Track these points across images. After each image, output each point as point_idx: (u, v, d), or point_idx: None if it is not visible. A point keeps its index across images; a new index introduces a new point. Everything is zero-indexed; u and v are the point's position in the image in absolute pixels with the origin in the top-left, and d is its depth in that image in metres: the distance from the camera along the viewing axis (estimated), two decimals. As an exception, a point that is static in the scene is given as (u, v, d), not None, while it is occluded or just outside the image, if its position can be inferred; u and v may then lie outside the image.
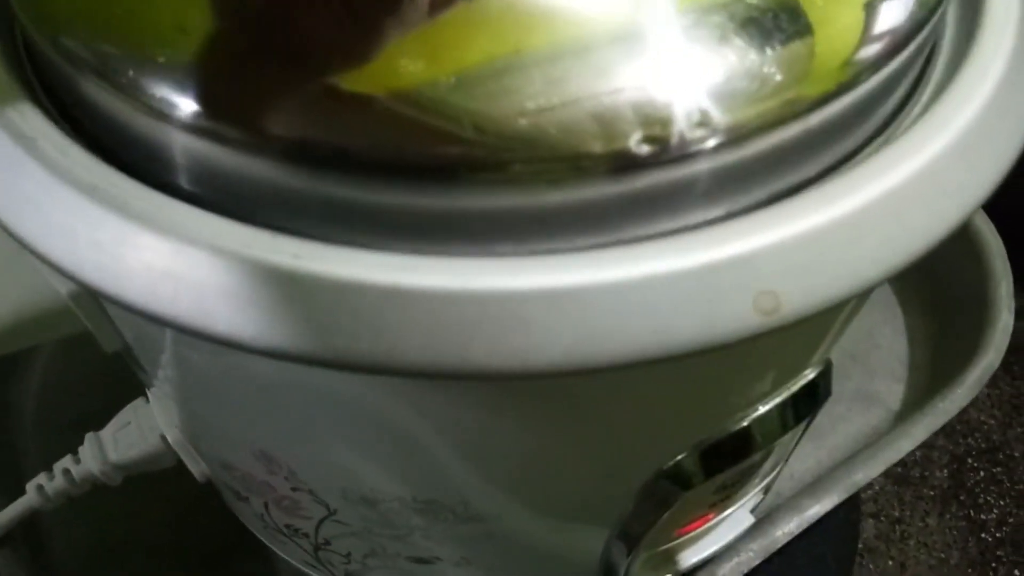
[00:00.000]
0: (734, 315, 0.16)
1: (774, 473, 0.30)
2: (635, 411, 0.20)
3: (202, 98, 0.16)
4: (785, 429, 0.24)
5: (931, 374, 0.48)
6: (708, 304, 0.16)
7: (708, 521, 0.30)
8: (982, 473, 1.17)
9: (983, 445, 1.18)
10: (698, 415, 0.22)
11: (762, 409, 0.23)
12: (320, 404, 0.19)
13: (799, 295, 0.16)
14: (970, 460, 1.18)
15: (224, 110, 0.16)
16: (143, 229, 0.15)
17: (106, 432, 0.32)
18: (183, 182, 0.17)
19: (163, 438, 0.31)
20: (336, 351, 0.15)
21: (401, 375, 0.15)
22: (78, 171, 0.16)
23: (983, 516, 1.10)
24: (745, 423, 0.23)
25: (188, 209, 0.16)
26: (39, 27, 0.18)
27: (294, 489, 0.24)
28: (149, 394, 0.31)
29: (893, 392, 0.48)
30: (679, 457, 0.22)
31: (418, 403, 0.19)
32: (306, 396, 0.19)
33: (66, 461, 0.31)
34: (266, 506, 0.27)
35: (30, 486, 0.32)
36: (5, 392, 0.42)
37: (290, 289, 0.15)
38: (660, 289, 0.16)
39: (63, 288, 0.19)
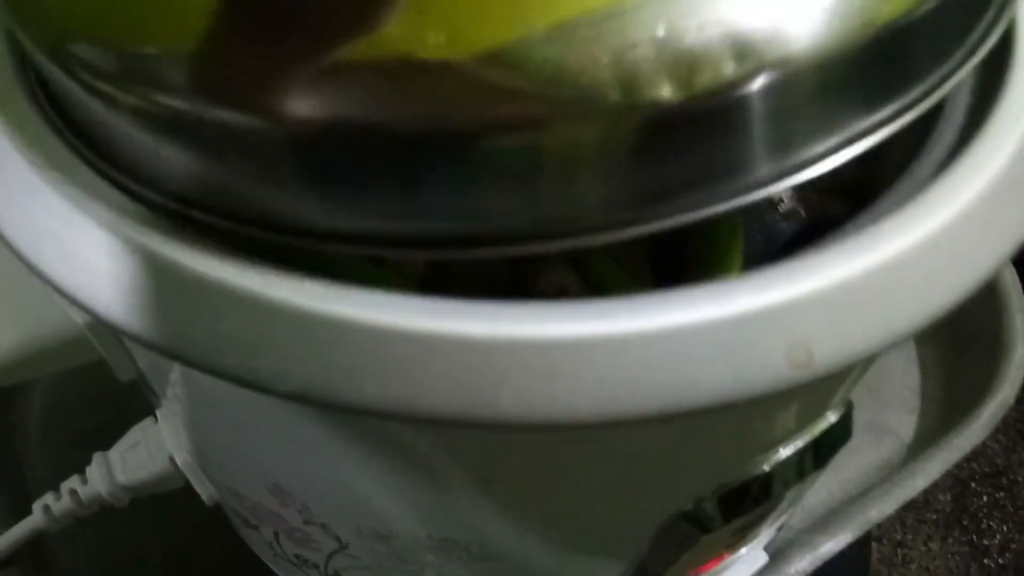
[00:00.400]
0: (765, 368, 0.15)
1: (790, 512, 0.30)
2: (656, 457, 0.20)
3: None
4: (806, 473, 0.24)
5: (944, 406, 0.48)
6: (739, 356, 0.15)
7: (723, 560, 0.29)
8: (985, 498, 1.16)
9: (987, 469, 1.17)
10: (719, 461, 0.21)
11: (783, 453, 0.22)
12: (338, 443, 0.19)
13: (832, 348, 0.16)
14: (973, 484, 1.17)
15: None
16: (165, 266, 0.15)
17: (114, 452, 0.32)
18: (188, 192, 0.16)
19: (172, 460, 0.31)
20: (360, 397, 0.15)
21: (426, 423, 0.15)
22: (100, 208, 0.16)
23: (986, 541, 1.09)
24: (766, 467, 0.22)
25: (210, 247, 0.16)
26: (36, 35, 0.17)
27: (306, 522, 0.24)
28: (158, 414, 0.31)
29: (905, 423, 0.47)
30: (699, 500, 0.22)
31: (439, 446, 0.18)
32: (324, 435, 0.19)
33: (73, 481, 0.31)
34: (276, 535, 0.27)
35: (36, 506, 0.31)
36: (10, 408, 0.41)
37: (315, 331, 0.15)
38: (690, 340, 0.15)
39: (79, 319, 0.19)
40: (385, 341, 0.15)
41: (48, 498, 0.31)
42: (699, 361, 0.15)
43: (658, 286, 0.16)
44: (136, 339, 0.16)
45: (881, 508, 0.37)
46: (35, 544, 0.33)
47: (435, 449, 0.18)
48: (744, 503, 0.23)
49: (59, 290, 0.16)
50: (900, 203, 0.18)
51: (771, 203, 0.30)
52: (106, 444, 0.33)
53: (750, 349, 0.15)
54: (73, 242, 0.16)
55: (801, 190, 0.31)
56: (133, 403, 0.31)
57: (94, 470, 0.31)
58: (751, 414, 0.20)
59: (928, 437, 0.45)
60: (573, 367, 0.15)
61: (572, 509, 0.21)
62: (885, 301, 0.16)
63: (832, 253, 0.17)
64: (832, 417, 0.24)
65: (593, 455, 0.19)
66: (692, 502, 0.22)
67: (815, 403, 0.22)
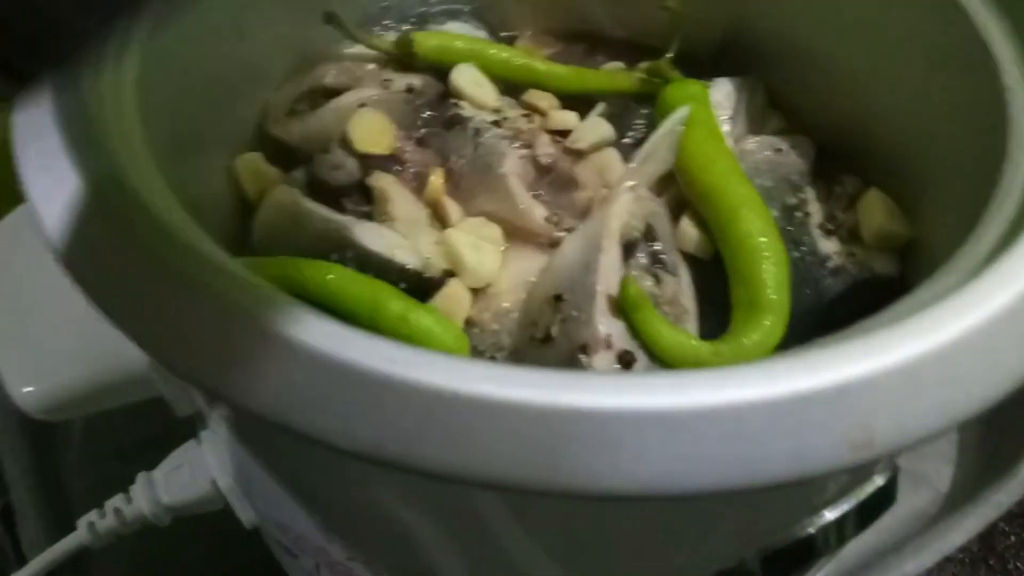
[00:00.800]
0: (825, 448, 0.16)
1: (828, 567, 0.30)
2: (705, 522, 0.20)
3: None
4: (849, 535, 0.24)
5: (982, 458, 0.47)
6: (799, 435, 0.15)
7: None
8: (1013, 538, 1.14)
9: (1015, 509, 1.15)
10: (766, 524, 0.21)
11: (828, 516, 0.22)
12: (394, 495, 0.19)
13: (893, 429, 0.16)
14: (1001, 524, 1.15)
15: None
16: (245, 326, 0.16)
17: (158, 472, 0.32)
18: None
19: (214, 483, 0.31)
20: (424, 461, 0.15)
21: (486, 488, 0.15)
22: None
23: (1013, 582, 1.07)
24: (811, 530, 0.22)
25: (288, 306, 0.16)
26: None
27: (350, 559, 0.24)
28: (202, 436, 0.32)
29: (942, 474, 0.47)
30: (742, 560, 0.22)
31: (493, 506, 0.18)
32: (380, 486, 0.19)
33: (118, 500, 0.32)
34: (317, 567, 0.27)
35: (81, 523, 0.32)
36: (52, 422, 0.42)
37: (382, 393, 0.15)
38: (752, 417, 0.15)
39: (143, 363, 0.19)
40: (451, 406, 0.15)
41: (93, 515, 0.32)
42: (761, 439, 0.15)
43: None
44: (203, 388, 0.16)
45: (917, 562, 0.36)
46: (75, 558, 0.34)
47: (493, 508, 0.19)
48: (786, 563, 0.23)
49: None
50: (960, 282, 0.18)
51: (820, 259, 0.30)
52: (148, 457, 0.33)
53: (811, 429, 0.15)
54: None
55: (850, 246, 0.31)
56: (172, 416, 0.32)
57: (138, 489, 0.31)
58: (803, 485, 0.20)
59: (965, 488, 0.45)
60: (637, 439, 0.15)
61: (619, 565, 0.21)
62: (948, 383, 0.16)
63: (894, 334, 0.17)
64: (879, 480, 0.24)
65: (644, 518, 0.19)
66: (736, 561, 0.22)
67: (864, 470, 0.22)
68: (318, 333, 0.15)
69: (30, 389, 0.20)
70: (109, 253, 0.17)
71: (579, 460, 0.15)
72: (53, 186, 0.18)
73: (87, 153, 0.19)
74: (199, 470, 0.31)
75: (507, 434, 0.15)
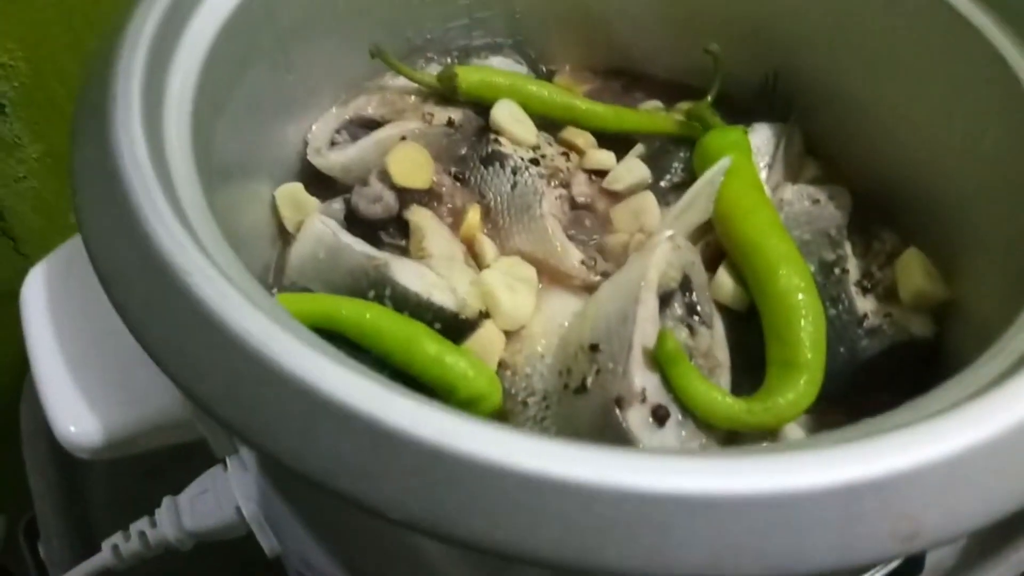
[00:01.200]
0: (871, 539, 0.15)
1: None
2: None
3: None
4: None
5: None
6: (846, 526, 0.15)
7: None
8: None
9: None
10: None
11: (861, 588, 0.22)
12: (429, 553, 0.19)
13: (939, 523, 0.16)
14: None
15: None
16: (297, 389, 0.16)
17: (183, 497, 0.32)
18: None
19: (238, 510, 0.31)
20: (471, 535, 0.15)
21: (532, 565, 0.15)
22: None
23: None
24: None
25: (340, 370, 0.16)
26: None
27: (375, 602, 0.24)
28: (228, 462, 0.32)
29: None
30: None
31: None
32: (417, 545, 0.19)
33: (142, 524, 0.32)
34: (338, 604, 0.27)
35: (106, 545, 0.32)
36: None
37: (432, 464, 0.15)
38: (799, 506, 0.15)
39: (189, 409, 0.19)
40: (499, 481, 0.15)
41: (117, 538, 0.32)
42: (810, 528, 0.15)
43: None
44: (254, 448, 0.16)
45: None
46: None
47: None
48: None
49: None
50: (1010, 368, 0.18)
51: (856, 319, 0.30)
52: (172, 478, 0.33)
53: (857, 519, 0.15)
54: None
55: (887, 306, 0.31)
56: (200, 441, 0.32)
57: (163, 514, 0.32)
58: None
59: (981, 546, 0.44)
60: (684, 523, 0.15)
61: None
62: (996, 475, 0.16)
63: (943, 424, 0.16)
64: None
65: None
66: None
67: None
68: (369, 398, 0.16)
69: (74, 430, 0.20)
70: (163, 305, 0.17)
71: (627, 542, 0.15)
72: (110, 225, 0.19)
73: (141, 194, 0.19)
74: (224, 497, 0.32)
75: (555, 512, 0.15)
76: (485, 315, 0.30)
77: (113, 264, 0.18)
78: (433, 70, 0.37)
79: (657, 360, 0.26)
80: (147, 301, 0.17)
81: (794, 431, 0.28)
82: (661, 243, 0.29)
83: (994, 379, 0.18)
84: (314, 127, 0.35)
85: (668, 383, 0.26)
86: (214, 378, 0.16)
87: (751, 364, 0.29)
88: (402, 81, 0.37)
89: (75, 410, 0.20)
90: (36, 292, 0.24)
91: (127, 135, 0.20)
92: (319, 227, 0.31)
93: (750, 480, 0.15)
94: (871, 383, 0.30)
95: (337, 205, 0.33)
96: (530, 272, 0.32)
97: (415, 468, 0.15)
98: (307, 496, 0.21)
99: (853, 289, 0.31)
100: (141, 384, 0.20)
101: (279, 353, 0.16)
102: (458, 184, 0.35)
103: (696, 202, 0.31)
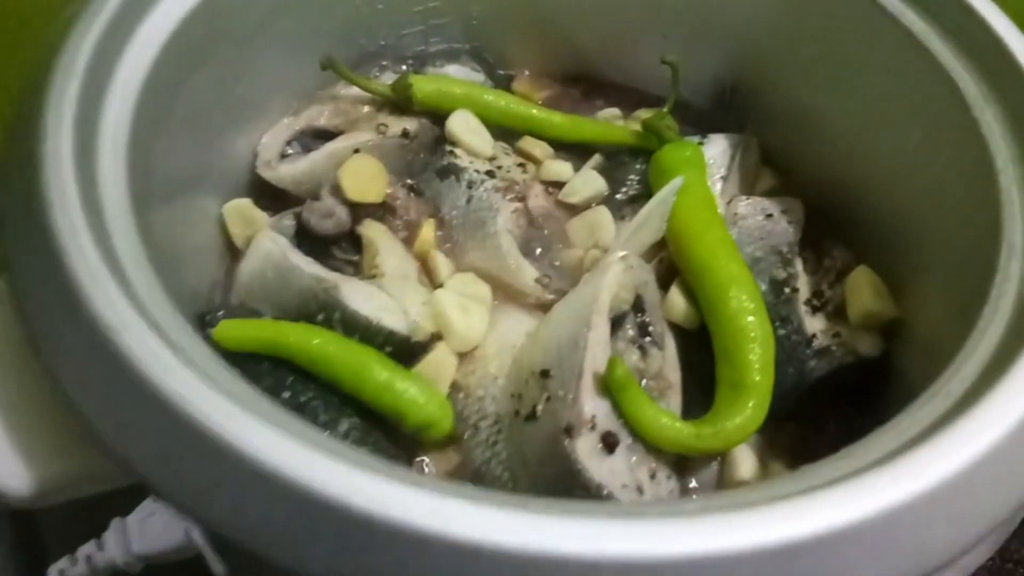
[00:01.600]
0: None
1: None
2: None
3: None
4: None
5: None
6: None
7: None
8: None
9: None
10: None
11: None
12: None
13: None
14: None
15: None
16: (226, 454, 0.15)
17: (132, 519, 0.31)
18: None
19: (187, 532, 0.31)
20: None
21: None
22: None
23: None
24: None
25: (275, 437, 0.16)
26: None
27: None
28: (178, 481, 0.31)
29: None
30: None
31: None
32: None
33: (89, 547, 0.31)
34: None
35: (53, 570, 0.31)
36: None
37: (362, 531, 0.15)
38: (736, 568, 0.15)
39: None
40: (429, 547, 0.15)
41: (64, 563, 0.31)
42: None
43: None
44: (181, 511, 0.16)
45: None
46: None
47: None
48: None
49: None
50: (944, 419, 0.18)
51: (805, 340, 0.30)
52: (123, 502, 0.33)
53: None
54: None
55: (835, 325, 0.31)
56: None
57: (110, 537, 0.31)
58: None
59: None
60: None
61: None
62: (933, 526, 0.17)
63: (876, 480, 0.17)
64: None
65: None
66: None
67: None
68: (299, 464, 0.15)
69: (11, 483, 0.20)
70: (90, 363, 0.16)
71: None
72: (35, 270, 0.18)
73: (68, 236, 0.19)
74: (173, 518, 0.31)
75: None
76: (438, 336, 0.30)
77: (38, 313, 0.17)
78: (388, 78, 0.37)
79: (607, 385, 0.26)
80: (72, 356, 0.16)
81: (743, 452, 0.29)
82: (613, 264, 0.29)
83: (932, 423, 0.18)
84: (264, 139, 0.34)
85: (619, 409, 0.26)
86: (142, 442, 0.16)
87: (703, 383, 0.29)
88: (356, 90, 0.36)
89: (3, 459, 0.20)
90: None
91: (58, 180, 0.19)
92: (268, 245, 0.30)
93: (687, 543, 0.15)
94: (821, 400, 0.30)
95: (288, 220, 0.33)
96: (484, 290, 0.32)
97: (345, 534, 0.15)
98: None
99: (803, 308, 0.31)
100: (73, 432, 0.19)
101: (209, 416, 0.16)
102: (412, 196, 0.35)
103: (649, 221, 0.31)
